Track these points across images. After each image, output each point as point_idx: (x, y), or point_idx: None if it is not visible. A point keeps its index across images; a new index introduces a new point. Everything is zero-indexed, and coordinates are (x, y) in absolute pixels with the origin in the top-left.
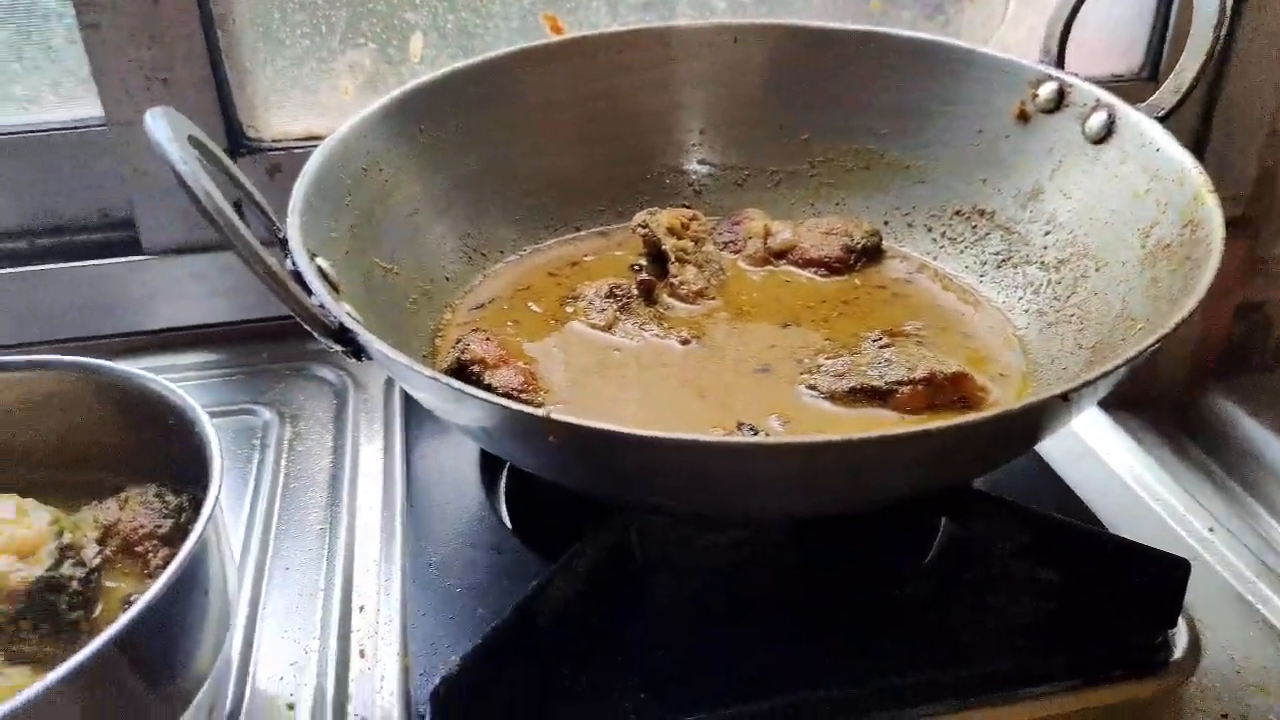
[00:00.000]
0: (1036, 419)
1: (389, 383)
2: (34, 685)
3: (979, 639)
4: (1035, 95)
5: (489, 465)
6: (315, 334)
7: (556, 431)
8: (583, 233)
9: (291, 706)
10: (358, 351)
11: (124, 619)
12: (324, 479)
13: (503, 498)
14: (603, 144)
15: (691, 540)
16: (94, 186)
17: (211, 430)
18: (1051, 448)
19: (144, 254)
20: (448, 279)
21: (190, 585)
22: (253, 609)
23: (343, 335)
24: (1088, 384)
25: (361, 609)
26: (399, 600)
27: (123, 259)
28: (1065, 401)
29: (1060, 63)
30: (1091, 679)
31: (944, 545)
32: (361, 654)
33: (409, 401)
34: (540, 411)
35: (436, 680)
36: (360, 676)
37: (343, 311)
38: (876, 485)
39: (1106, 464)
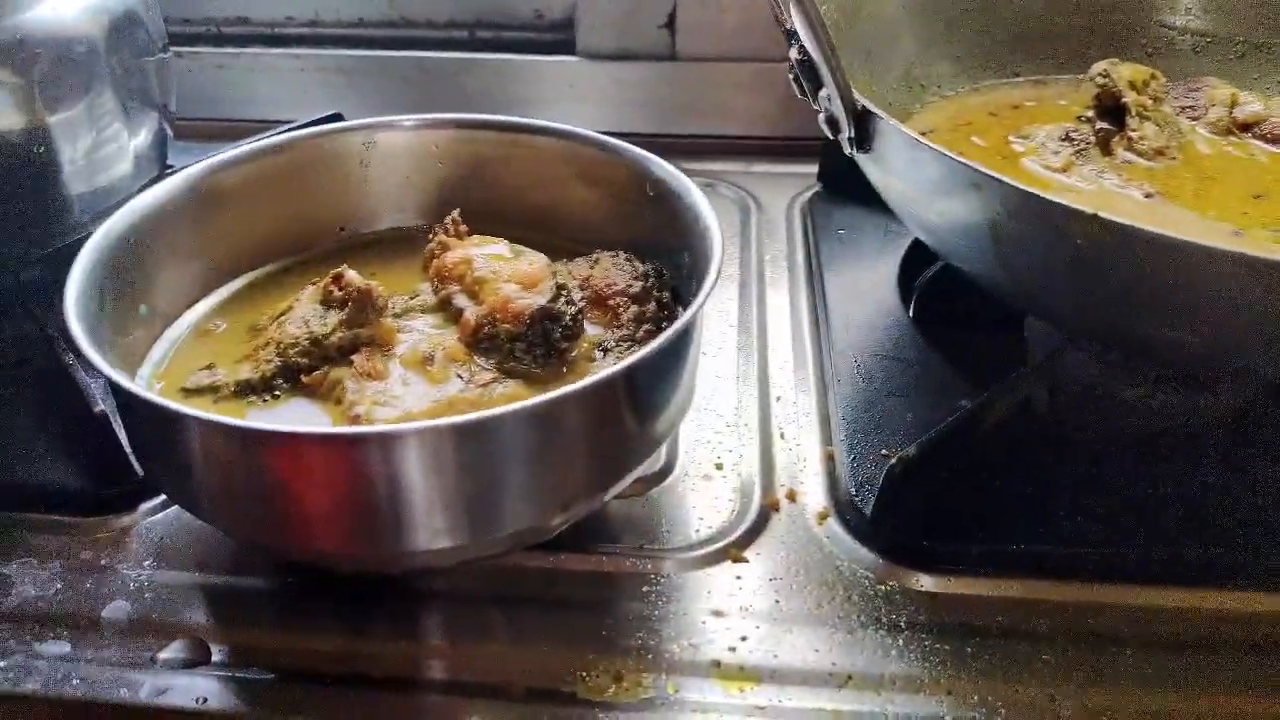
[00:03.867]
0: None
1: (790, 205)
2: (560, 389)
3: None
4: None
5: (908, 286)
6: (838, 112)
7: (1092, 232)
8: (1020, 79)
9: (719, 466)
10: (862, 139)
11: (638, 355)
12: (734, 282)
13: (921, 320)
14: None
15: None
16: None
17: (703, 198)
18: None
19: (576, 55)
20: (890, 104)
21: (687, 340)
22: None
23: (863, 118)
24: None
25: (778, 399)
26: (814, 397)
27: (556, 56)
28: None
29: None
30: None
31: None
32: (781, 435)
33: (814, 224)
34: (1088, 208)
35: (891, 461)
36: (782, 454)
37: (861, 97)
38: None
39: None
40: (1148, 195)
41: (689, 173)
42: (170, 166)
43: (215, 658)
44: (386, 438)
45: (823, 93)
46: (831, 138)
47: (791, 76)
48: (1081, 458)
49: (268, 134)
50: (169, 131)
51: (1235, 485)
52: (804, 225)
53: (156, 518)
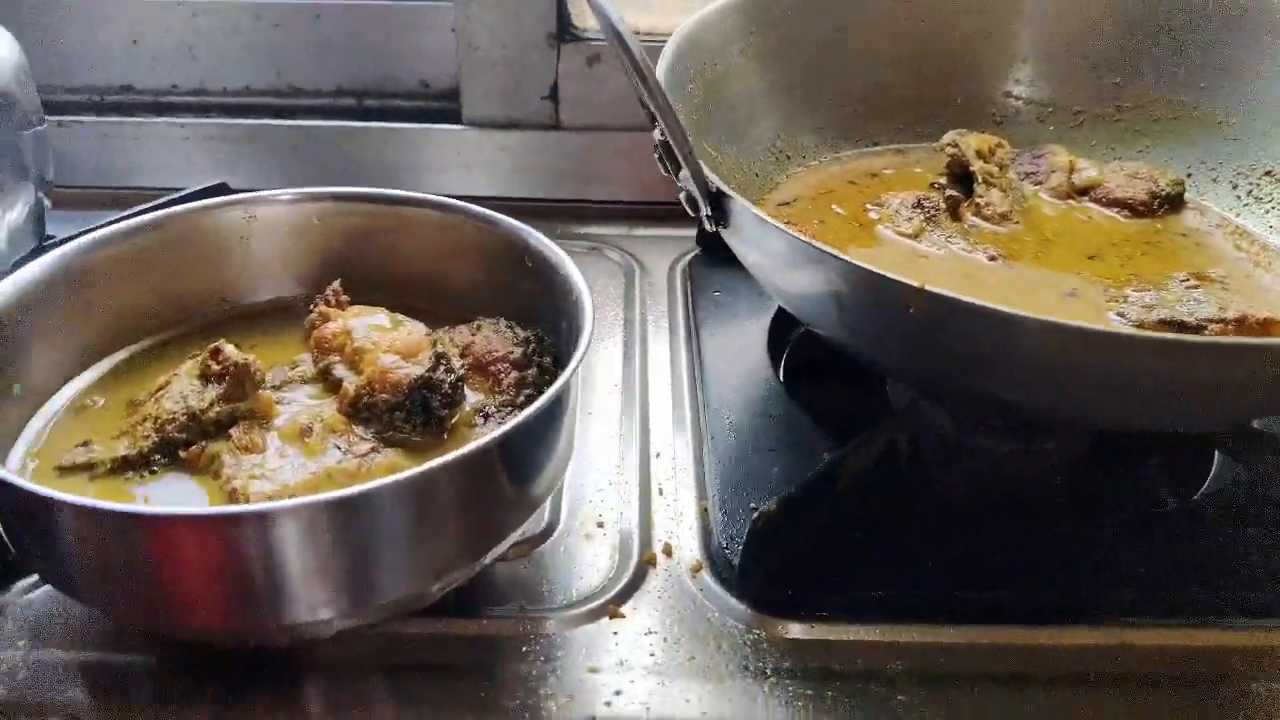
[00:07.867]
0: None
1: (672, 267)
2: (433, 461)
3: (1234, 570)
4: None
5: (777, 346)
6: (695, 192)
7: (920, 303)
8: (880, 148)
9: (601, 524)
10: (719, 217)
11: (511, 423)
12: (618, 343)
13: (789, 378)
14: (915, 65)
15: (964, 447)
16: (423, 57)
17: (576, 270)
18: None
19: (463, 124)
20: (756, 175)
21: (562, 405)
22: None
23: (717, 198)
24: None
25: (658, 455)
26: (691, 453)
27: (443, 125)
28: None
29: None
30: None
31: (1215, 484)
32: (660, 491)
33: (693, 286)
34: (914, 281)
35: (754, 515)
36: (660, 509)
37: (716, 177)
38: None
39: None
40: (992, 259)
41: (575, 237)
42: (51, 236)
43: None
44: (254, 517)
45: (682, 173)
46: (692, 215)
47: (657, 156)
48: (935, 506)
49: (141, 208)
50: (47, 202)
51: (1076, 529)
52: (684, 287)
53: (31, 596)
